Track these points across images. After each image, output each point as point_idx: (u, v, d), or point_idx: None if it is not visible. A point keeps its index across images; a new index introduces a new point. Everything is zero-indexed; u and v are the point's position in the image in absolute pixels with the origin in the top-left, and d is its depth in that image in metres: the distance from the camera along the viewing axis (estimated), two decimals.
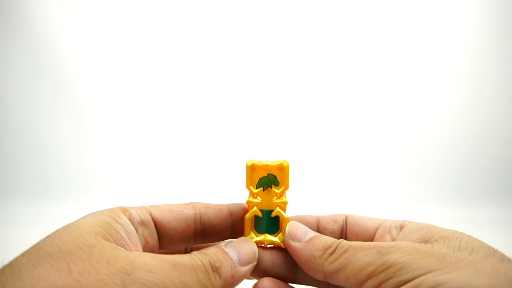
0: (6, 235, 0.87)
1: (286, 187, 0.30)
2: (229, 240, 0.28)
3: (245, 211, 0.31)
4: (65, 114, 1.18)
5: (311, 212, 0.34)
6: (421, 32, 1.21)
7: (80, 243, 0.21)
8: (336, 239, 0.27)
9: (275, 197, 0.30)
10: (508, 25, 1.20)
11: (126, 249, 0.24)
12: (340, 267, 0.24)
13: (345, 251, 0.25)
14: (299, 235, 0.28)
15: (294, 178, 0.31)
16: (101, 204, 0.27)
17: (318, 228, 0.32)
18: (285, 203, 0.30)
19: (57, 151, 1.18)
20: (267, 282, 0.27)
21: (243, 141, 1.18)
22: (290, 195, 0.31)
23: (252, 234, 0.30)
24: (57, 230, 0.23)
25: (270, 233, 0.30)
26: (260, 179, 0.31)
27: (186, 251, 0.31)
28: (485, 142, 1.22)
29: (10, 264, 0.20)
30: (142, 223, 0.27)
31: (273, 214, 0.30)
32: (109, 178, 1.17)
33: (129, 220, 0.26)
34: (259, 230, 0.30)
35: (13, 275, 0.19)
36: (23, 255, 0.20)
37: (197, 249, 0.26)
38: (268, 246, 0.30)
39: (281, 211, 0.30)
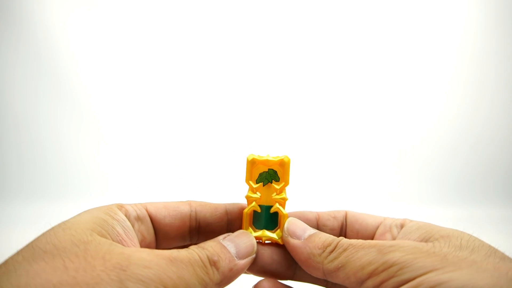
0: (6, 235, 0.87)
1: (286, 183, 0.30)
2: (227, 233, 0.28)
3: (242, 210, 0.30)
4: (65, 114, 1.18)
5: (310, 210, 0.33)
6: (421, 32, 1.21)
7: (75, 240, 0.21)
8: (335, 237, 0.27)
9: (275, 193, 0.30)
10: (508, 25, 1.20)
11: (123, 245, 0.24)
12: (340, 265, 0.24)
13: (345, 250, 0.25)
14: (298, 232, 0.28)
15: (294, 175, 0.30)
16: (101, 204, 0.27)
17: (318, 224, 0.32)
18: (285, 199, 0.30)
19: (57, 151, 1.18)
20: (266, 283, 0.27)
21: (245, 137, 1.18)
22: (290, 192, 0.31)
23: (250, 229, 0.30)
24: (52, 228, 0.23)
25: (268, 229, 0.30)
26: (260, 174, 0.30)
27: None
28: (485, 142, 1.22)
29: (6, 262, 0.20)
30: (139, 218, 0.27)
31: (272, 210, 0.30)
32: (109, 178, 1.17)
33: (125, 216, 0.26)
34: (257, 225, 0.30)
35: (8, 273, 0.18)
36: (18, 253, 0.20)
37: None
38: (266, 242, 0.30)
39: (280, 207, 0.30)
